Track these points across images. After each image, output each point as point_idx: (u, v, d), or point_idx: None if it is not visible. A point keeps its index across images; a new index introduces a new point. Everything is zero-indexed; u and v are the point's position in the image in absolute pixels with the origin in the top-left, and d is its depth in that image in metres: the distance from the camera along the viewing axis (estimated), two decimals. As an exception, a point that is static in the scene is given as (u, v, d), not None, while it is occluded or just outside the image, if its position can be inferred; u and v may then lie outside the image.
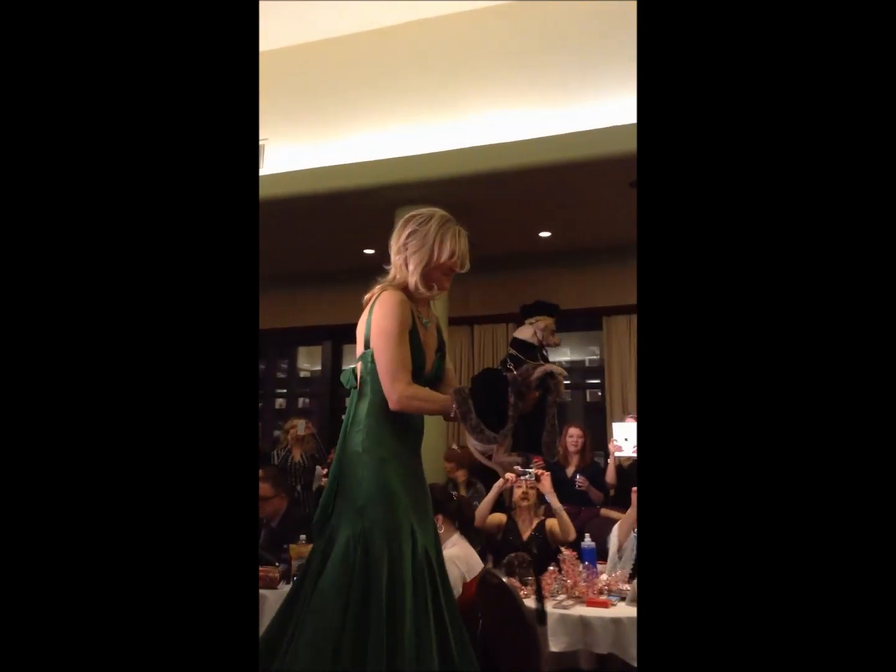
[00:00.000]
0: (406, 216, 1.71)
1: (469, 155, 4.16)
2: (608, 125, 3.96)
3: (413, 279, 1.63)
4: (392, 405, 1.55)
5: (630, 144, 3.90)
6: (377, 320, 1.60)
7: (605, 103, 4.03)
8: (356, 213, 4.78)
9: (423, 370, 1.63)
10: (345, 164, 4.38)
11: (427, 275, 1.63)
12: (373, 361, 1.60)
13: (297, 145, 4.55)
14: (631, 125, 3.94)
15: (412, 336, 1.61)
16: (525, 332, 1.37)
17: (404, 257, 1.65)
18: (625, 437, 3.84)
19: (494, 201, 4.64)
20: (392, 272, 1.68)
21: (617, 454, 3.90)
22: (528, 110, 4.18)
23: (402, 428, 1.62)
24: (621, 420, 4.16)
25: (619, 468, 4.05)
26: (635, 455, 3.86)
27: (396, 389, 1.54)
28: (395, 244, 1.68)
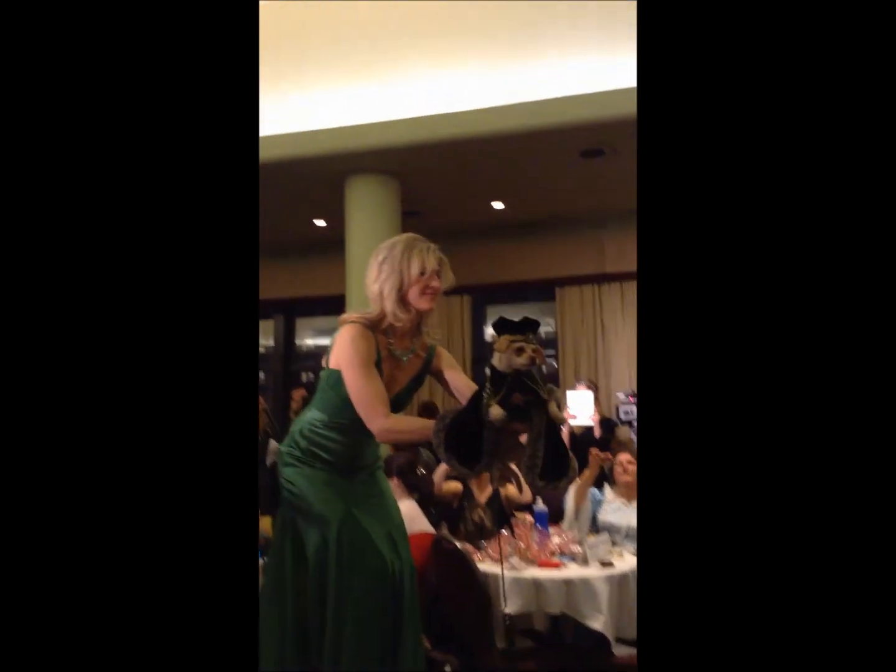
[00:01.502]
0: (378, 248, 1.66)
1: (421, 123, 4.10)
2: (561, 95, 3.95)
3: (389, 306, 1.58)
4: (376, 439, 1.56)
5: (582, 113, 3.94)
6: (338, 353, 1.59)
7: (558, 71, 4.02)
8: (305, 182, 4.68)
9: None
10: (292, 133, 4.27)
11: (402, 299, 1.59)
12: (329, 383, 1.61)
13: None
14: (584, 95, 3.94)
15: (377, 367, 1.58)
16: (494, 358, 1.22)
17: (380, 287, 1.60)
18: (578, 406, 3.89)
19: (447, 171, 4.61)
20: (372, 306, 1.63)
21: (571, 423, 3.96)
22: (480, 79, 4.13)
23: (338, 439, 1.62)
24: (573, 388, 4.22)
25: (572, 435, 4.13)
26: (590, 423, 3.93)
27: (375, 424, 1.53)
28: (370, 276, 1.64)
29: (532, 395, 1.35)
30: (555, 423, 1.37)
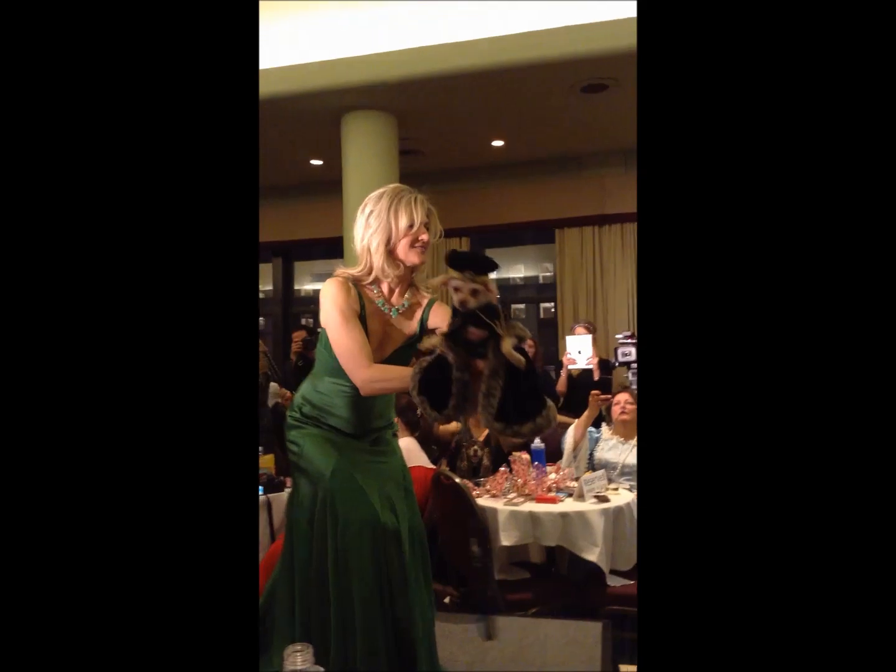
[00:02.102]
0: (364, 201, 1.60)
1: (418, 55, 3.96)
2: (562, 24, 3.80)
3: (377, 261, 1.54)
4: (361, 393, 1.53)
5: (584, 45, 3.80)
6: (322, 309, 1.56)
7: (559, 1, 3.85)
8: (300, 120, 4.56)
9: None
10: (285, 66, 4.12)
11: (390, 254, 1.55)
12: (322, 343, 1.59)
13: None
14: (584, 25, 3.79)
15: (362, 324, 1.55)
16: None
17: (367, 241, 1.56)
18: (577, 350, 3.90)
19: (445, 107, 4.48)
20: (359, 261, 1.59)
21: (570, 367, 3.97)
22: (479, 8, 3.97)
23: (340, 403, 1.60)
24: (572, 333, 4.23)
25: (570, 378, 4.15)
26: (588, 366, 3.95)
27: (357, 377, 1.51)
28: (357, 231, 1.59)
29: (488, 330, 1.30)
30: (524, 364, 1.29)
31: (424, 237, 1.55)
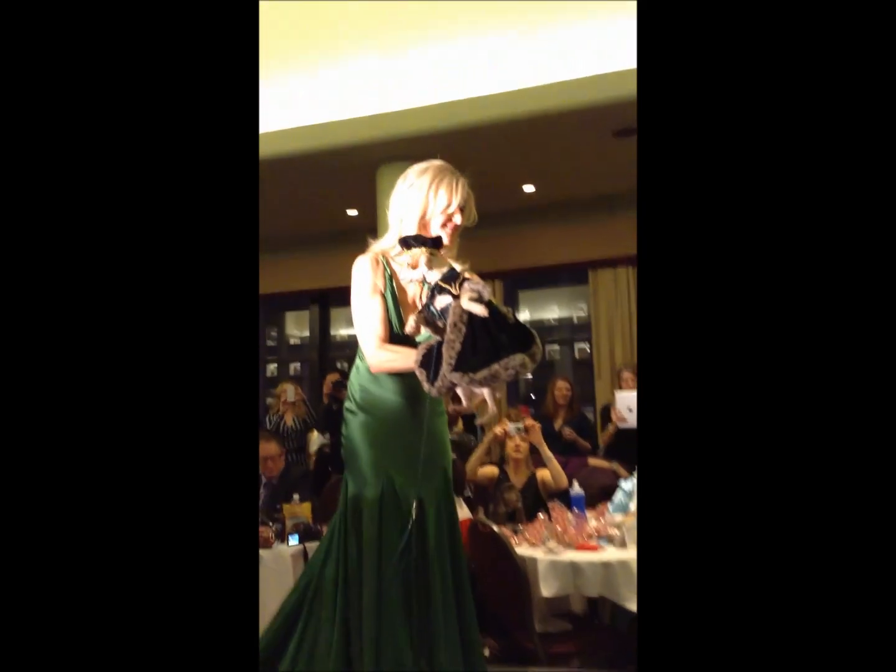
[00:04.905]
0: (406, 172, 1.61)
1: (450, 108, 4.08)
2: (592, 73, 3.88)
3: (406, 233, 1.54)
4: (371, 370, 1.55)
5: (613, 92, 3.86)
6: (351, 286, 1.58)
7: (587, 50, 3.95)
8: (336, 173, 4.70)
9: (402, 331, 1.56)
10: (321, 123, 4.29)
11: (422, 228, 1.55)
12: None
13: (268, 105, 4.43)
14: (614, 73, 3.86)
15: (390, 296, 1.56)
16: None
17: (401, 213, 1.57)
18: (628, 408, 3.79)
19: (477, 156, 4.57)
20: (389, 232, 1.60)
21: (621, 425, 3.86)
22: (508, 59, 4.08)
23: (391, 388, 1.59)
24: (618, 377, 4.15)
25: (617, 431, 4.06)
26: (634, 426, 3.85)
27: (367, 354, 1.53)
28: (393, 200, 1.60)
29: (448, 294, 1.40)
30: (489, 314, 1.34)
31: (458, 220, 1.56)
